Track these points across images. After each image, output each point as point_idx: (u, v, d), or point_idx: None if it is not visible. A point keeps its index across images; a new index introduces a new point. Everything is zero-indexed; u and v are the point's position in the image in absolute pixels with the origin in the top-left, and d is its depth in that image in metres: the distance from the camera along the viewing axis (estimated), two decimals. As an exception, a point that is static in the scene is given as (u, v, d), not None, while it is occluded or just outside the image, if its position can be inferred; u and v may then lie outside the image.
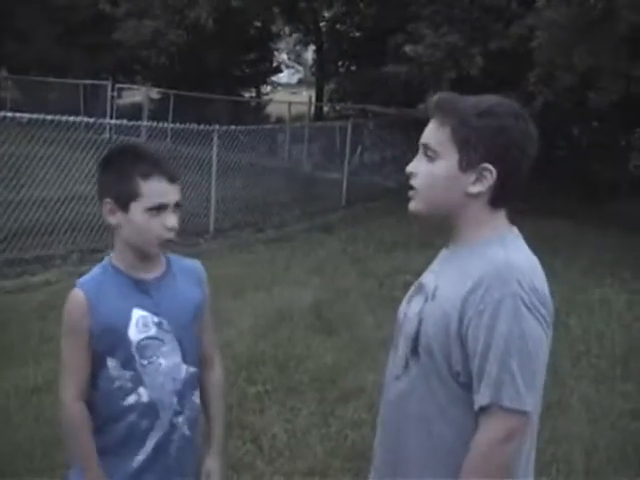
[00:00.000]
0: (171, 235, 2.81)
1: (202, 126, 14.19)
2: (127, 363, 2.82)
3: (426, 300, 2.44)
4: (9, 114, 11.58)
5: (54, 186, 11.82)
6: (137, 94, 32.50)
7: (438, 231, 2.56)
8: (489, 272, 2.27)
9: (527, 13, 18.05)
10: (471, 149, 2.37)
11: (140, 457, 2.87)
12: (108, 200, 2.81)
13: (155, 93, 32.00)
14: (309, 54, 51.65)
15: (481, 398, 2.23)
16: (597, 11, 15.07)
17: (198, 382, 3.04)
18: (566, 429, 6.25)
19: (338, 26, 32.78)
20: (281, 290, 9.98)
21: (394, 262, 11.65)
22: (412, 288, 2.64)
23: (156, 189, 2.75)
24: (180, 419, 2.93)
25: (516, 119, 2.39)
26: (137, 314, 2.83)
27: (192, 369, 2.98)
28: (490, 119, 2.38)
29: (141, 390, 2.83)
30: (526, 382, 2.21)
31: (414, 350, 2.42)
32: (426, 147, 2.45)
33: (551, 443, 5.87)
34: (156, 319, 2.86)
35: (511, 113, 2.41)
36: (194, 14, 25.12)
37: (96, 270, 2.93)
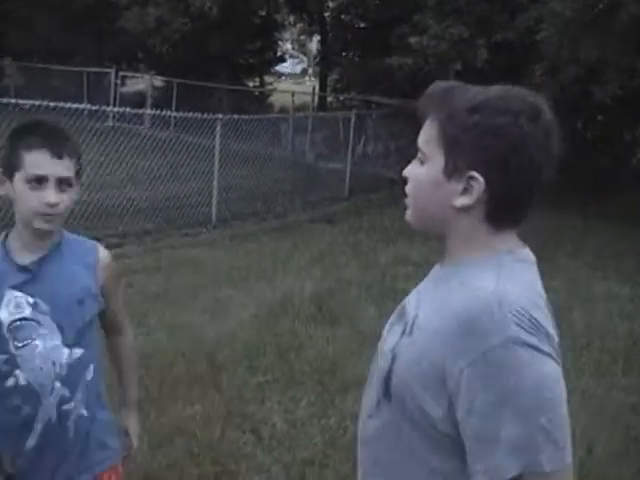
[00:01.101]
0: (50, 211, 2.72)
1: (205, 115, 14.16)
2: (1, 346, 2.76)
3: (403, 333, 2.05)
4: (12, 100, 11.55)
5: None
6: (141, 82, 32.50)
7: (440, 244, 2.13)
8: (476, 312, 1.83)
9: (533, 5, 18.00)
10: (457, 152, 1.96)
11: (31, 441, 2.83)
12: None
13: (158, 81, 31.99)
14: (313, 44, 51.73)
15: (506, 469, 1.77)
16: (603, 4, 15.03)
17: (89, 361, 2.94)
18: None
19: (343, 16, 32.71)
20: (283, 280, 9.97)
21: (397, 253, 11.64)
22: (398, 307, 2.25)
23: (36, 161, 2.70)
24: (72, 404, 2.88)
25: (516, 117, 1.91)
26: (10, 295, 2.77)
27: (78, 351, 2.88)
28: (482, 116, 1.93)
29: (17, 372, 2.77)
30: (562, 434, 1.80)
31: (385, 390, 2.06)
32: (418, 148, 2.09)
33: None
34: (31, 300, 2.78)
35: (512, 109, 1.92)
36: (198, 2, 25.12)
37: None
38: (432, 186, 2.02)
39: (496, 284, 1.89)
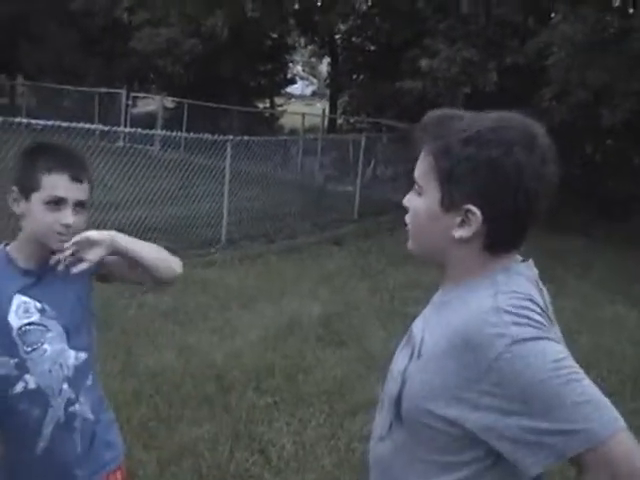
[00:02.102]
0: (65, 231, 2.78)
1: (216, 136, 14.20)
2: (10, 350, 2.81)
3: (411, 357, 2.09)
4: (24, 120, 11.60)
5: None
6: (152, 103, 32.62)
7: (440, 270, 2.18)
8: (477, 326, 1.89)
9: (543, 29, 18.08)
10: (453, 185, 1.98)
11: (41, 444, 2.88)
12: (14, 188, 2.85)
13: (169, 102, 32.10)
14: (324, 66, 51.87)
15: (566, 451, 1.82)
16: (613, 29, 15.10)
17: (89, 368, 3.01)
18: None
19: (353, 39, 32.90)
20: (291, 301, 9.97)
21: (405, 277, 11.64)
22: (406, 334, 2.29)
23: (55, 183, 2.76)
24: (77, 406, 2.94)
25: (510, 148, 1.91)
26: (18, 300, 2.83)
27: (82, 355, 2.96)
28: (475, 148, 1.93)
29: (27, 377, 2.83)
30: (599, 398, 1.86)
31: (397, 414, 2.09)
32: (415, 180, 2.12)
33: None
34: (39, 305, 2.85)
35: (506, 140, 1.92)
36: (210, 23, 25.22)
37: None
38: (430, 219, 2.06)
39: (493, 300, 1.92)
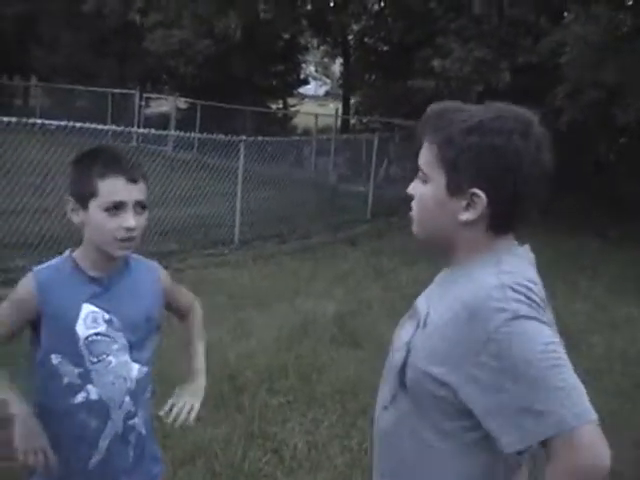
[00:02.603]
0: (129, 234, 2.78)
1: (229, 136, 14.23)
2: (76, 359, 2.81)
3: (417, 327, 2.24)
4: (38, 121, 11.65)
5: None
6: (165, 104, 32.70)
7: (443, 254, 2.33)
8: (481, 299, 2.04)
9: (556, 28, 18.04)
10: (459, 172, 2.13)
11: (95, 459, 2.88)
12: (69, 198, 2.84)
13: (182, 103, 32.14)
14: (336, 67, 51.89)
15: (534, 434, 1.96)
16: (626, 27, 15.05)
17: (148, 382, 3.04)
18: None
19: (366, 39, 32.82)
20: (305, 301, 9.98)
21: (418, 276, 11.59)
22: (410, 310, 2.45)
23: (112, 188, 2.74)
24: (136, 420, 2.96)
25: (510, 136, 2.08)
26: (87, 309, 2.83)
27: (144, 369, 2.98)
28: (478, 137, 2.09)
29: (89, 387, 2.83)
30: (577, 390, 1.98)
31: (401, 382, 2.23)
32: (419, 168, 2.27)
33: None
34: (107, 316, 2.85)
35: (505, 129, 2.09)
36: (222, 24, 25.23)
37: (54, 261, 2.97)
38: (436, 204, 2.21)
39: (497, 277, 2.08)
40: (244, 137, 14.32)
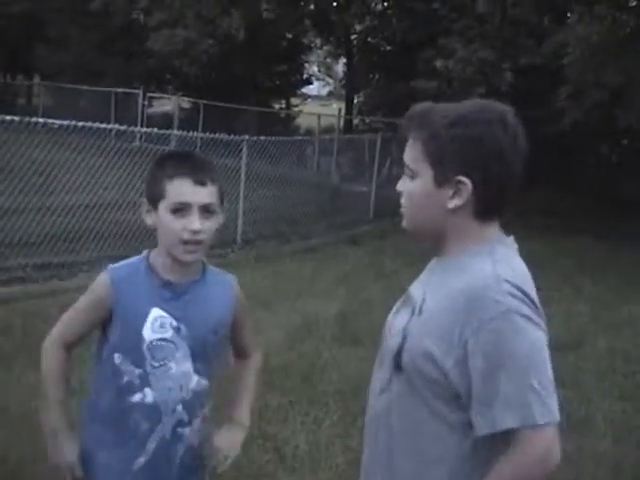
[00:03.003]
0: (195, 237, 2.79)
1: (232, 136, 14.23)
2: (137, 360, 2.85)
3: (412, 314, 2.36)
4: (41, 120, 11.65)
5: (83, 192, 11.90)
6: (168, 103, 32.70)
7: (432, 245, 2.47)
8: (479, 288, 2.19)
9: (559, 29, 18.03)
10: (444, 163, 2.28)
11: (141, 460, 2.90)
12: (144, 200, 2.89)
13: (185, 102, 32.15)
14: (339, 67, 51.83)
15: (501, 422, 2.12)
16: (629, 28, 15.05)
17: (209, 396, 3.07)
18: (591, 448, 6.20)
19: (369, 39, 32.86)
20: (307, 301, 9.98)
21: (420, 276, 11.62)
22: (401, 298, 2.58)
23: (178, 189, 2.77)
24: (187, 430, 2.96)
25: (489, 126, 2.25)
26: (156, 313, 2.86)
27: (203, 382, 2.99)
28: (460, 129, 2.26)
29: (147, 390, 2.87)
30: (548, 392, 2.12)
31: (396, 366, 2.35)
32: (405, 165, 2.41)
33: (575, 462, 5.83)
34: (175, 323, 2.87)
35: (484, 120, 2.26)
36: (226, 24, 25.24)
37: (131, 260, 3.00)
38: (426, 196, 2.35)
39: (493, 267, 2.23)
40: (247, 137, 14.32)
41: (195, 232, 2.77)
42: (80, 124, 11.30)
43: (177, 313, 2.87)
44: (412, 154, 2.38)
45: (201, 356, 2.95)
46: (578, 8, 17.61)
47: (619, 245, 15.89)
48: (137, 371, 2.85)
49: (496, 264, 2.24)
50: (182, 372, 2.91)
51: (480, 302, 2.16)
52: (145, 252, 2.99)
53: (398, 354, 2.34)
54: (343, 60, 40.08)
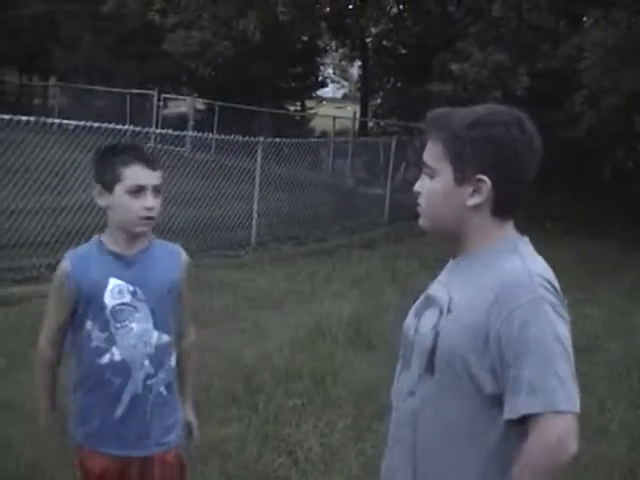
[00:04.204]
0: (150, 214, 3.25)
1: (246, 138, 14.24)
2: (103, 326, 3.28)
3: (441, 314, 2.40)
4: (56, 121, 11.69)
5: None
6: (183, 104, 32.71)
7: (449, 244, 2.53)
8: (511, 281, 2.26)
9: (575, 33, 17.98)
10: (464, 162, 2.36)
11: (119, 411, 3.34)
12: (96, 185, 3.32)
13: (200, 104, 32.19)
14: (355, 69, 51.87)
15: (525, 406, 2.15)
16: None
17: (173, 348, 3.49)
18: (605, 454, 6.18)
19: (384, 42, 32.79)
20: (321, 304, 9.98)
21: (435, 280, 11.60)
22: (418, 301, 2.63)
23: (134, 174, 3.22)
24: (154, 381, 3.38)
25: (507, 127, 2.34)
26: (113, 282, 3.29)
27: (165, 336, 3.40)
28: (479, 130, 2.35)
29: (114, 350, 3.29)
30: (572, 383, 2.18)
31: (429, 366, 2.38)
32: (425, 165, 2.48)
33: (589, 468, 5.81)
34: (131, 288, 3.30)
35: (502, 122, 2.36)
36: (242, 26, 25.25)
37: (86, 244, 3.48)
38: (446, 194, 2.42)
39: (522, 262, 2.32)
40: (262, 138, 14.33)
41: (149, 209, 3.24)
42: (95, 125, 11.33)
43: (132, 279, 3.31)
44: (433, 154, 2.45)
45: (159, 314, 3.36)
46: (594, 12, 17.55)
47: (634, 250, 15.81)
48: (103, 335, 3.28)
49: (524, 259, 2.34)
50: (143, 329, 3.32)
51: (512, 294, 2.23)
52: (96, 236, 3.44)
53: (431, 354, 2.38)
54: (358, 63, 40.01)
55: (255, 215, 13.82)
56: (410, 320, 2.60)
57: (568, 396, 2.15)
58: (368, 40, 34.05)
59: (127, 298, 3.29)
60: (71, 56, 32.93)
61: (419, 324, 2.50)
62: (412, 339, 2.51)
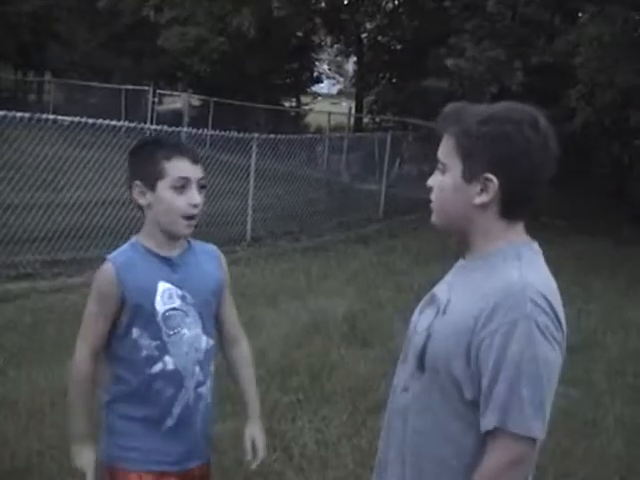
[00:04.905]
0: (195, 211, 3.05)
1: (241, 134, 14.22)
2: (154, 333, 3.06)
3: (437, 314, 2.40)
4: (51, 116, 11.65)
5: (93, 189, 11.92)
6: (178, 100, 32.70)
7: (459, 243, 2.50)
8: (503, 292, 2.21)
9: (570, 29, 17.98)
10: (473, 159, 2.32)
11: (168, 423, 3.12)
12: (137, 182, 3.07)
13: (195, 100, 32.18)
14: (350, 65, 51.82)
15: (487, 422, 2.19)
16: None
17: (213, 354, 3.30)
18: (600, 450, 6.18)
19: (379, 38, 32.82)
20: (316, 300, 9.97)
21: (431, 276, 11.50)
22: (426, 297, 2.62)
23: (178, 167, 3.01)
24: (204, 389, 3.22)
25: (519, 125, 2.27)
26: (162, 287, 3.08)
27: (211, 341, 3.25)
28: (491, 127, 2.29)
29: (167, 358, 3.08)
30: (535, 407, 2.15)
31: (420, 364, 2.40)
32: (438, 160, 2.45)
33: (585, 464, 5.82)
34: (180, 292, 3.11)
35: (515, 119, 2.29)
36: (237, 22, 25.26)
37: (125, 247, 3.19)
38: (454, 190, 2.38)
39: (519, 272, 2.25)
40: (257, 134, 14.32)
41: (196, 205, 3.04)
42: (90, 121, 11.32)
43: (180, 283, 3.11)
44: (445, 149, 2.42)
45: (206, 318, 3.22)
46: (589, 7, 17.55)
47: (630, 246, 15.82)
48: (154, 343, 3.06)
49: (523, 269, 2.27)
50: (194, 335, 3.14)
51: (502, 307, 2.18)
52: (133, 238, 3.21)
53: (422, 353, 2.39)
54: (353, 58, 40.07)
55: (250, 211, 13.81)
56: (414, 316, 2.61)
57: (523, 418, 2.15)
58: (363, 36, 34.11)
59: (177, 303, 3.10)
60: (66, 52, 32.91)
61: (418, 321, 2.52)
62: (411, 335, 2.53)
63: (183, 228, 3.07)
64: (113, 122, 12.19)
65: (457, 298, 2.37)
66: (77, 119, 11.26)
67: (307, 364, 7.58)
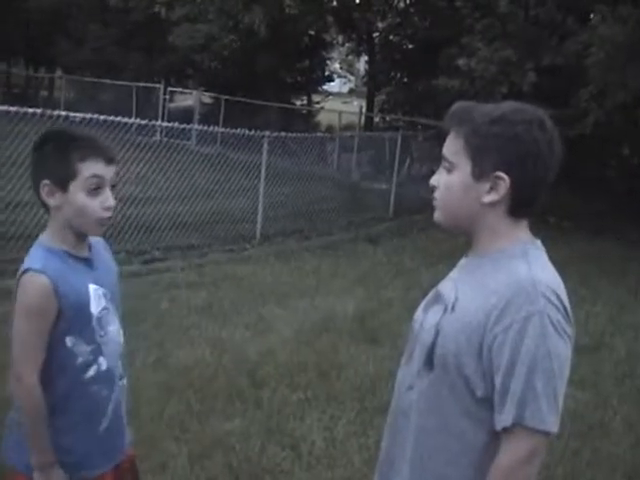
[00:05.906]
0: (110, 214, 2.91)
1: (252, 132, 14.23)
2: (89, 337, 2.94)
3: (445, 311, 2.41)
4: (62, 113, 11.66)
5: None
6: (189, 98, 32.77)
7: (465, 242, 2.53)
8: (514, 288, 2.24)
9: (582, 29, 17.93)
10: (483, 158, 2.34)
11: (104, 424, 3.03)
12: (46, 182, 2.86)
13: (206, 97, 32.22)
14: (361, 64, 51.78)
15: (504, 418, 2.20)
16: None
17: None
18: (608, 452, 6.18)
19: (391, 37, 32.76)
20: (325, 299, 9.98)
21: (439, 275, 11.48)
22: (429, 295, 2.64)
23: (93, 168, 2.83)
24: (124, 381, 3.16)
25: (529, 126, 2.32)
26: (92, 289, 2.95)
27: (121, 331, 3.15)
28: (502, 126, 2.32)
29: (100, 359, 2.97)
30: (549, 402, 2.18)
31: (428, 361, 2.40)
32: (444, 159, 2.46)
33: (592, 466, 5.82)
34: (102, 290, 3.00)
35: (525, 120, 2.33)
36: (248, 20, 25.25)
37: (42, 253, 2.91)
38: (463, 189, 2.40)
39: (528, 269, 2.29)
40: (267, 133, 14.30)
41: (110, 208, 2.90)
42: (101, 118, 11.31)
43: (99, 281, 3.00)
44: (453, 148, 2.43)
45: (119, 309, 3.13)
46: (601, 8, 17.49)
47: (638, 247, 15.79)
48: (90, 348, 2.94)
49: (532, 267, 2.30)
50: (116, 330, 3.08)
51: (514, 303, 2.21)
52: (43, 241, 2.95)
53: (430, 350, 2.39)
54: (365, 57, 39.97)
55: (260, 209, 13.80)
56: (419, 314, 2.62)
57: (540, 412, 2.18)
58: (375, 35, 34.05)
59: (103, 302, 2.98)
60: (78, 49, 32.97)
61: (425, 319, 2.52)
62: (417, 333, 2.54)
63: (96, 229, 2.95)
64: (124, 119, 12.20)
65: (465, 295, 2.39)
66: (88, 116, 11.24)
67: (316, 362, 7.60)
